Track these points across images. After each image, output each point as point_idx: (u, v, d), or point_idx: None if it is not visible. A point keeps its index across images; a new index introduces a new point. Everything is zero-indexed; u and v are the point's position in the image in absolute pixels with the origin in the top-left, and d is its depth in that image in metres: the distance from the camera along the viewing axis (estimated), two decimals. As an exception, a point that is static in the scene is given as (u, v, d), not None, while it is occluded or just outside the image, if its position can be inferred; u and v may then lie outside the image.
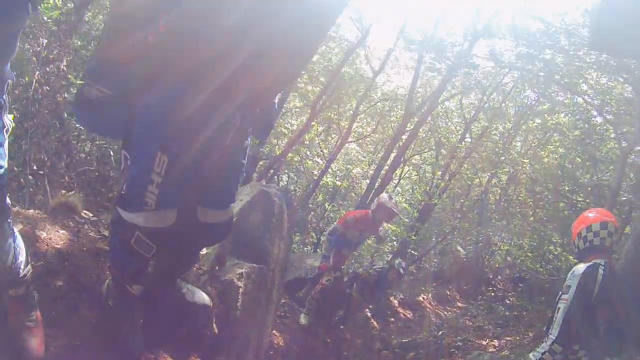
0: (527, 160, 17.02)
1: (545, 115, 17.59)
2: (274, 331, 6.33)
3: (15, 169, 5.60)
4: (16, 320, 2.41)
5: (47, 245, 3.05)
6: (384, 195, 8.11)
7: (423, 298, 17.84)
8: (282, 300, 8.17)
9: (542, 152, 18.21)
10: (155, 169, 2.16)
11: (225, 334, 3.55)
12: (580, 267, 3.93)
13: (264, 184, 5.03)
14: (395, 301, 16.00)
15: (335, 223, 7.78)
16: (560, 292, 4.07)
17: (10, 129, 2.08)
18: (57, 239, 3.17)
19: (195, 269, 3.78)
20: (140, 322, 2.93)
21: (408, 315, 16.41)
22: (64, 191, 5.25)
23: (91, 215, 3.81)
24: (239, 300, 3.68)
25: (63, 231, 3.30)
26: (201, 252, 4.27)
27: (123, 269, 2.60)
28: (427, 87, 19.19)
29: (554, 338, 3.83)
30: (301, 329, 7.29)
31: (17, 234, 2.24)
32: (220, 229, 2.77)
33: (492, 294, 18.24)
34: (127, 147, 2.25)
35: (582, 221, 4.22)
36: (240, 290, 3.73)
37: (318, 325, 7.77)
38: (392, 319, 14.67)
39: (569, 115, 16.01)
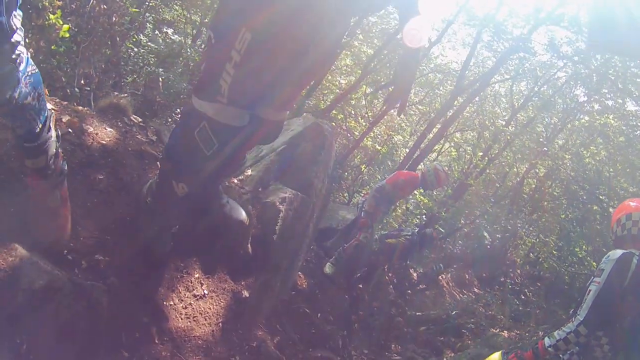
0: (568, 157, 16.73)
1: (595, 113, 17.26)
2: (300, 273, 6.33)
3: (63, 79, 5.59)
4: (36, 197, 2.29)
5: (93, 140, 3.02)
6: (438, 164, 8.02)
7: (442, 277, 17.82)
8: (310, 246, 8.18)
9: (584, 152, 17.88)
10: (237, 45, 2.09)
11: (258, 256, 3.55)
12: (617, 252, 3.80)
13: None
14: (415, 274, 16.03)
15: (383, 181, 7.62)
16: (592, 276, 3.96)
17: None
18: (103, 135, 3.13)
19: (238, 187, 3.76)
20: (175, 227, 2.91)
21: (425, 290, 16.44)
22: (115, 93, 5.24)
23: (140, 120, 3.77)
24: (278, 224, 3.65)
25: (110, 129, 3.26)
26: (246, 173, 4.24)
27: (176, 160, 2.54)
28: (480, 66, 18.85)
29: (581, 319, 3.70)
30: (325, 277, 7.28)
31: (31, 70, 2.08)
32: (275, 129, 2.75)
33: (510, 286, 18.19)
34: (213, 26, 2.25)
35: (623, 209, 4.13)
36: (281, 214, 3.69)
37: (342, 277, 7.77)
38: (409, 291, 14.71)
39: (617, 120, 15.68)
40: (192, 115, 2.33)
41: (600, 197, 14.68)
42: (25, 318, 1.98)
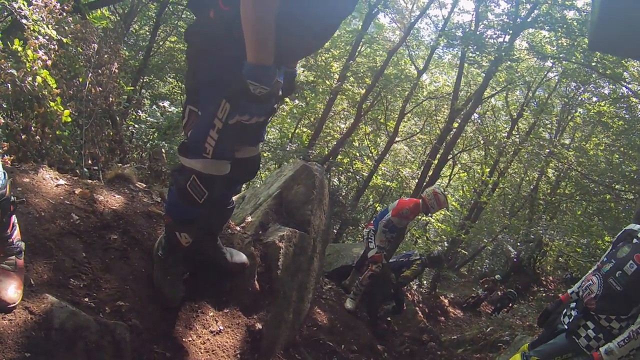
0: (572, 152, 16.90)
1: (587, 104, 17.49)
2: (318, 309, 6.59)
3: (72, 161, 5.97)
4: None
5: (104, 206, 3.40)
6: (437, 187, 8.21)
7: (473, 297, 17.83)
8: (328, 286, 8.43)
9: (587, 145, 18.05)
10: (218, 114, 2.52)
11: (265, 291, 3.87)
12: None
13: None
14: (446, 300, 16.10)
15: (388, 214, 7.84)
16: (636, 266, 3.92)
17: None
18: (113, 202, 3.52)
19: (240, 232, 4.10)
20: (186, 274, 3.28)
21: (458, 314, 16.47)
22: (120, 164, 5.63)
23: (144, 186, 4.17)
24: (280, 259, 3.98)
25: (119, 196, 3.66)
26: (247, 220, 4.61)
27: (175, 214, 2.97)
28: (472, 85, 19.23)
29: None
30: (347, 312, 7.50)
31: None
32: (252, 164, 3.15)
33: (544, 294, 18.13)
34: (192, 102, 2.66)
35: None
36: (281, 250, 4.02)
37: (363, 309, 7.98)
38: (442, 318, 14.78)
39: (612, 105, 15.88)
40: (182, 172, 2.74)
41: (613, 185, 14.77)
42: (58, 354, 2.32)
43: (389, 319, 8.86)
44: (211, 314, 3.31)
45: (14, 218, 2.56)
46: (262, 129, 3.08)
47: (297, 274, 4.29)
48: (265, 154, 18.50)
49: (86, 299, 2.72)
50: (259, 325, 3.60)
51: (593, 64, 13.39)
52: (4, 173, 2.43)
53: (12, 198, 2.52)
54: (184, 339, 3.02)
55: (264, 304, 3.80)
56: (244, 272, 3.63)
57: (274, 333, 3.85)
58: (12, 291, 2.39)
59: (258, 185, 5.66)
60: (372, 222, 8.48)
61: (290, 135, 20.60)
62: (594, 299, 4.07)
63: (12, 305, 2.36)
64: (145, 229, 3.41)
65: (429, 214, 8.36)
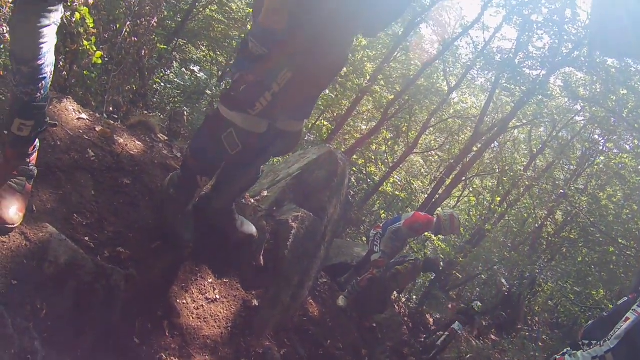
0: (585, 199, 16.75)
1: (610, 154, 17.37)
2: (311, 301, 6.46)
3: (93, 104, 5.87)
4: (4, 170, 2.39)
5: (122, 149, 3.27)
6: (455, 212, 8.07)
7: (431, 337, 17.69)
8: (323, 280, 8.30)
9: (602, 194, 17.89)
10: (278, 79, 2.47)
11: (269, 269, 3.75)
12: None
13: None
14: (431, 320, 15.98)
15: (400, 223, 7.72)
16: (626, 298, 3.76)
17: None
18: (132, 147, 3.39)
19: (254, 205, 3.98)
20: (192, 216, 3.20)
21: (439, 335, 16.35)
22: (145, 112, 5.52)
23: (166, 138, 4.05)
24: (290, 240, 3.87)
25: (139, 142, 3.53)
26: (262, 194, 4.49)
27: (202, 159, 2.91)
28: (499, 112, 19.08)
29: (611, 346, 3.44)
30: (339, 309, 7.40)
31: (49, 47, 2.23)
32: (292, 138, 3.08)
33: (527, 333, 18.01)
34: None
35: None
36: (293, 231, 3.91)
37: (354, 310, 7.86)
38: (425, 335, 14.66)
39: (633, 159, 15.75)
40: (219, 121, 2.68)
41: (619, 239, 14.64)
42: (47, 288, 2.19)
43: (374, 324, 8.75)
44: (210, 280, 3.20)
45: (37, 141, 2.46)
46: (309, 103, 3.01)
47: (303, 258, 4.17)
48: (282, 143, 18.38)
49: (86, 238, 2.60)
50: (255, 302, 3.47)
51: (624, 114, 13.27)
52: (48, 86, 2.33)
53: (47, 118, 2.47)
54: (178, 301, 2.91)
55: (265, 282, 3.68)
56: (250, 245, 3.50)
57: (269, 313, 3.72)
58: (14, 212, 2.28)
59: (277, 162, 5.54)
60: (380, 224, 8.35)
61: (309, 126, 20.48)
62: None
63: (10, 226, 2.24)
64: (159, 180, 3.28)
65: (438, 235, 8.26)
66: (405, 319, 13.59)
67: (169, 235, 2.96)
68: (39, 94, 2.26)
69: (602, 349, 3.45)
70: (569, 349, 3.81)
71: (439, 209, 18.99)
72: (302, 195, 4.61)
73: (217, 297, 3.17)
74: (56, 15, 2.15)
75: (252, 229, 3.45)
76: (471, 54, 18.66)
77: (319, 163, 4.83)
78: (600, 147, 18.21)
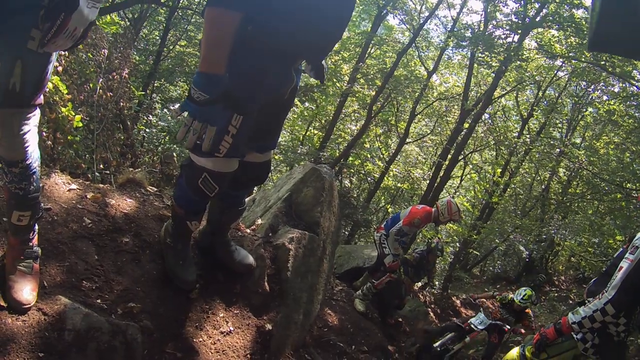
0: (583, 152, 16.83)
1: (596, 103, 17.43)
2: (329, 310, 6.61)
3: (83, 165, 6.04)
4: (11, 256, 2.57)
5: (116, 210, 3.46)
6: (453, 200, 8.17)
7: (485, 299, 17.69)
8: (339, 287, 8.45)
9: (598, 144, 17.98)
10: (232, 122, 2.62)
11: (275, 292, 3.92)
12: None
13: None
14: (458, 301, 16.06)
15: (400, 223, 7.80)
16: (621, 250, 3.89)
17: None
18: (124, 205, 3.58)
19: (250, 235, 4.16)
20: (194, 259, 3.40)
21: (470, 315, 16.38)
22: (131, 169, 5.70)
23: (155, 189, 4.23)
24: (290, 261, 4.03)
25: (130, 200, 3.72)
26: (257, 223, 4.67)
27: (187, 206, 3.08)
28: (482, 85, 19.20)
29: (609, 297, 3.53)
30: (358, 313, 7.52)
31: (33, 146, 2.42)
32: (263, 169, 3.29)
33: (555, 294, 18.05)
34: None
35: None
36: (291, 252, 4.07)
37: (374, 312, 7.98)
38: (454, 319, 14.74)
39: (622, 103, 15.81)
40: (192, 169, 2.85)
41: (624, 184, 14.69)
42: (71, 354, 2.39)
43: (400, 319, 8.86)
44: (221, 314, 3.36)
45: (36, 226, 2.66)
46: (271, 136, 3.16)
47: (306, 275, 4.33)
48: (276, 157, 18.56)
49: (98, 301, 2.79)
50: (268, 326, 3.64)
51: (602, 62, 13.34)
52: (39, 178, 2.54)
53: (41, 205, 2.67)
54: (194, 340, 3.07)
55: (273, 305, 3.85)
56: (253, 274, 3.69)
57: (284, 334, 3.89)
58: (28, 293, 2.47)
59: (269, 188, 5.70)
60: (382, 225, 8.47)
61: (301, 138, 20.64)
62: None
63: (27, 307, 2.43)
64: (156, 232, 3.47)
65: (439, 224, 8.30)
66: (432, 306, 13.71)
67: (174, 282, 3.15)
68: (32, 187, 2.48)
69: (601, 302, 3.57)
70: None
71: (443, 194, 19.12)
72: (295, 216, 4.79)
73: (231, 328, 3.34)
74: (35, 120, 2.35)
75: (249, 260, 3.63)
76: (442, 34, 18.85)
77: (305, 182, 5.00)
78: (589, 97, 18.30)
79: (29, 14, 2.08)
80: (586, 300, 3.87)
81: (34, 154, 2.41)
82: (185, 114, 2.39)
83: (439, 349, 7.36)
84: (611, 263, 3.96)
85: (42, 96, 2.35)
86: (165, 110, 10.54)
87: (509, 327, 7.57)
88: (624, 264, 3.55)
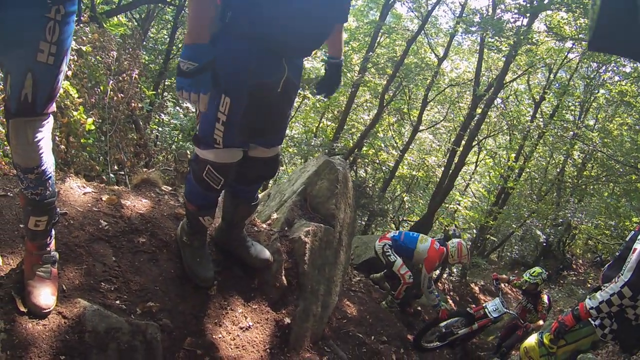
0: (597, 134, 16.72)
1: (607, 84, 17.28)
2: (347, 302, 6.65)
3: (98, 168, 6.07)
4: (29, 261, 2.61)
5: (131, 211, 3.50)
6: (464, 240, 8.32)
7: (504, 285, 17.69)
8: (357, 278, 8.47)
9: (611, 125, 17.84)
10: (220, 108, 2.70)
11: (293, 285, 3.96)
12: None
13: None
14: (476, 287, 16.05)
15: (422, 266, 7.92)
16: (633, 232, 3.83)
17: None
18: (140, 206, 3.62)
19: (267, 230, 4.19)
20: (211, 256, 3.44)
21: (488, 300, 16.37)
22: (145, 169, 5.73)
23: (170, 189, 4.27)
24: (306, 254, 4.06)
25: (146, 200, 3.76)
26: (272, 217, 4.69)
27: (197, 201, 3.14)
28: (493, 70, 19.09)
29: (626, 280, 3.48)
30: (377, 304, 7.56)
31: (48, 152, 2.47)
32: (271, 164, 3.29)
33: (574, 278, 17.98)
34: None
35: None
36: (307, 245, 4.10)
37: (394, 301, 8.00)
38: (473, 305, 14.75)
39: (634, 83, 15.66)
40: (197, 162, 2.91)
41: (639, 164, 14.58)
42: (92, 356, 2.43)
43: (419, 308, 8.87)
44: (240, 310, 3.40)
45: (52, 231, 2.70)
46: (274, 131, 3.16)
47: (324, 267, 4.36)
48: (290, 150, 18.61)
49: (117, 302, 2.82)
50: (287, 320, 3.68)
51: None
52: (54, 183, 2.60)
53: (58, 210, 2.72)
54: (214, 336, 3.11)
55: (292, 299, 3.88)
56: (270, 268, 3.72)
57: (303, 327, 3.92)
58: (47, 297, 2.51)
59: (284, 182, 5.72)
60: (388, 235, 8.50)
61: (314, 130, 20.65)
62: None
63: (46, 311, 2.48)
64: (172, 231, 3.50)
65: (447, 265, 8.31)
66: (451, 293, 13.73)
67: (192, 279, 3.19)
68: (47, 192, 2.52)
69: (617, 285, 3.53)
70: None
71: (458, 180, 19.04)
72: (310, 209, 4.80)
73: (250, 324, 3.38)
74: (48, 127, 2.40)
75: (266, 255, 3.66)
76: (451, 20, 18.75)
77: (319, 174, 5.01)
78: (601, 79, 18.16)
79: (36, 28, 2.14)
80: (602, 286, 3.83)
81: (48, 160, 2.45)
82: (184, 94, 2.45)
83: (443, 330, 7.38)
84: (625, 246, 3.90)
85: (54, 104, 2.39)
86: (177, 108, 10.55)
87: (522, 322, 7.54)
88: (638, 246, 3.51)
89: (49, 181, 2.50)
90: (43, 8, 2.12)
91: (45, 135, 2.38)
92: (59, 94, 4.95)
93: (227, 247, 3.59)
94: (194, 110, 2.79)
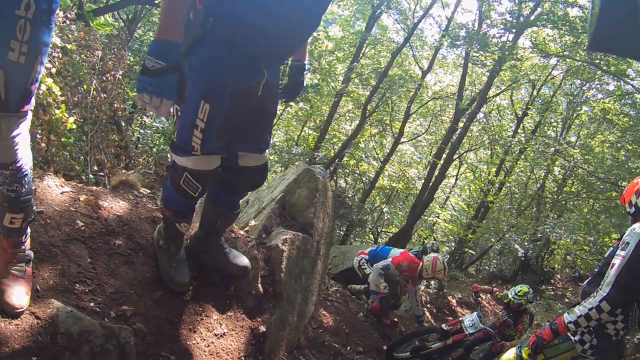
0: (578, 150, 16.91)
1: (591, 102, 17.51)
2: (324, 311, 6.62)
3: (77, 167, 6.01)
4: (3, 259, 2.58)
5: (109, 212, 3.46)
6: (441, 255, 8.10)
7: (482, 298, 17.73)
8: (334, 288, 8.45)
9: (593, 142, 18.05)
10: (199, 115, 2.64)
11: (269, 294, 3.93)
12: None
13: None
14: (454, 300, 16.09)
15: (389, 260, 7.75)
16: (611, 249, 3.83)
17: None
18: (117, 208, 3.58)
19: (244, 236, 4.16)
20: (187, 261, 3.39)
21: (466, 313, 16.42)
22: (124, 171, 5.69)
23: (148, 191, 4.23)
24: (283, 262, 4.04)
25: (123, 202, 3.73)
26: (250, 224, 4.67)
27: (174, 208, 3.10)
28: (477, 84, 19.26)
29: (604, 295, 3.48)
30: (353, 314, 7.52)
31: (24, 149, 2.43)
32: (257, 172, 3.26)
33: (552, 292, 18.08)
34: (177, 102, 2.71)
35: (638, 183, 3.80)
36: (285, 253, 4.08)
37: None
38: (450, 318, 14.78)
39: (617, 102, 15.88)
40: (175, 169, 2.86)
41: (619, 182, 14.74)
42: (64, 358, 2.39)
43: (395, 319, 8.86)
44: (215, 317, 3.37)
45: (28, 229, 2.67)
46: (260, 134, 3.15)
47: (300, 276, 4.34)
48: (271, 157, 18.55)
49: (91, 304, 2.78)
50: (262, 328, 3.65)
51: (597, 61, 13.39)
52: (31, 181, 2.56)
53: (34, 207, 2.68)
54: (188, 342, 3.07)
55: (267, 307, 3.86)
56: (247, 275, 3.69)
57: (278, 335, 3.89)
58: (20, 297, 2.48)
59: (263, 189, 5.71)
60: (365, 250, 8.54)
61: (296, 138, 20.66)
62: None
63: (19, 310, 2.44)
64: (149, 234, 3.47)
65: (421, 279, 8.19)
66: (428, 305, 13.74)
67: (167, 284, 3.16)
68: (24, 189, 2.48)
69: (595, 300, 3.52)
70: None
71: (438, 193, 19.11)
72: (289, 217, 4.79)
73: (225, 331, 3.35)
74: (25, 124, 2.36)
75: (244, 261, 3.63)
76: (437, 34, 18.88)
77: (298, 182, 5.00)
78: (584, 96, 18.38)
79: (7, 26, 2.11)
80: (581, 302, 3.80)
81: (24, 157, 2.41)
82: (146, 96, 2.30)
83: (416, 343, 7.34)
84: (604, 262, 3.92)
85: (32, 103, 2.36)
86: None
87: (498, 340, 7.45)
88: (616, 261, 3.52)
89: (25, 178, 2.46)
90: (13, 3, 2.09)
91: (21, 132, 2.34)
92: (41, 91, 4.93)
93: (204, 254, 3.53)
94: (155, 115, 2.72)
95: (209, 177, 2.90)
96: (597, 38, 1.40)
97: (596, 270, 4.04)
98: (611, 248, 3.94)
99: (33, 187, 2.65)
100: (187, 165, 2.79)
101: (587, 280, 4.18)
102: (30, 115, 2.40)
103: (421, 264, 7.86)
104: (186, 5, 2.43)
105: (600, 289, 3.54)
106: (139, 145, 10.04)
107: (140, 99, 2.32)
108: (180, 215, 3.12)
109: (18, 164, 2.38)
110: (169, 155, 8.45)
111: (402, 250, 8.23)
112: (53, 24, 2.29)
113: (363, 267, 8.06)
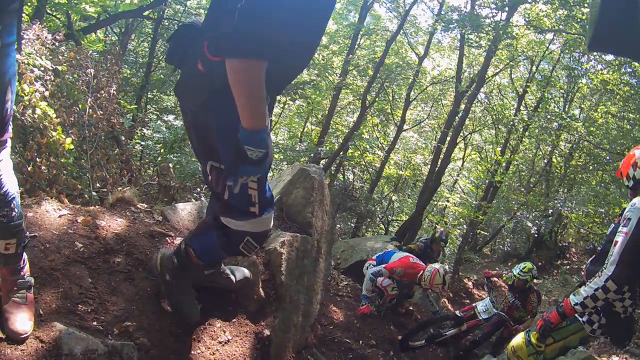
0: (581, 123, 16.83)
1: (589, 74, 17.39)
2: (334, 307, 6.69)
3: (79, 186, 6.07)
4: (4, 288, 2.65)
5: (107, 231, 3.53)
6: (442, 267, 7.90)
7: (496, 281, 17.70)
8: (344, 282, 8.52)
9: (596, 114, 17.95)
10: (251, 184, 2.52)
11: (271, 297, 3.99)
12: None
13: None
14: (470, 282, 16.10)
15: (383, 266, 7.69)
16: (613, 225, 3.83)
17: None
18: (115, 226, 3.66)
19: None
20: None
21: (483, 295, 16.41)
22: (120, 187, 5.77)
23: (146, 206, 4.30)
24: (282, 265, 4.08)
25: (121, 219, 3.80)
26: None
27: (211, 260, 3.15)
28: (475, 65, 19.18)
29: (609, 274, 3.45)
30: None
31: (8, 175, 2.49)
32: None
33: (567, 267, 18.03)
34: (211, 157, 2.67)
35: (636, 152, 3.79)
36: (283, 256, 4.12)
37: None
38: (467, 301, 14.79)
39: (616, 71, 15.76)
40: (232, 234, 2.77)
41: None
42: (68, 379, 2.47)
43: (410, 308, 8.88)
44: (218, 324, 3.43)
45: (24, 255, 2.74)
46: None
47: (302, 277, 4.39)
48: (276, 156, 18.59)
49: (94, 323, 2.85)
50: (267, 332, 3.71)
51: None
52: (20, 206, 2.63)
53: (26, 232, 2.73)
54: (192, 352, 3.14)
55: (270, 310, 3.91)
56: (246, 286, 3.74)
57: (283, 337, 3.95)
58: (24, 323, 2.55)
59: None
60: (374, 257, 8.53)
61: (299, 135, 20.70)
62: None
63: (24, 336, 2.51)
64: (148, 249, 3.53)
65: (422, 286, 8.05)
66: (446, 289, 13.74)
67: (177, 316, 3.20)
68: (13, 213, 2.55)
69: (601, 280, 3.49)
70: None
71: (446, 177, 19.07)
72: (287, 218, 4.84)
73: (229, 337, 3.41)
74: (5, 152, 2.43)
75: (245, 273, 3.64)
76: (430, 19, 18.84)
77: (294, 183, 5.04)
78: (583, 69, 18.27)
79: None
80: (586, 281, 3.80)
81: (9, 182, 2.48)
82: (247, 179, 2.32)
83: (431, 330, 7.36)
84: (606, 240, 3.90)
85: (9, 132, 2.42)
86: (159, 121, 10.58)
87: (512, 324, 7.42)
88: (619, 238, 3.49)
89: (13, 202, 2.53)
90: None
91: (2, 158, 2.41)
92: (37, 115, 5.00)
93: (205, 281, 3.47)
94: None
95: (267, 235, 2.89)
96: (597, 37, 1.40)
97: (600, 248, 4.01)
98: (613, 224, 3.92)
99: (30, 214, 2.72)
100: (248, 229, 2.71)
101: (590, 259, 4.14)
102: (9, 143, 2.47)
103: (421, 271, 7.69)
104: (264, 94, 2.24)
105: (605, 268, 3.52)
106: (142, 157, 10.14)
107: (244, 180, 2.31)
108: (209, 264, 3.19)
109: (3, 190, 2.45)
110: (170, 165, 8.53)
111: (404, 254, 8.13)
112: (15, 52, 2.34)
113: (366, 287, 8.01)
